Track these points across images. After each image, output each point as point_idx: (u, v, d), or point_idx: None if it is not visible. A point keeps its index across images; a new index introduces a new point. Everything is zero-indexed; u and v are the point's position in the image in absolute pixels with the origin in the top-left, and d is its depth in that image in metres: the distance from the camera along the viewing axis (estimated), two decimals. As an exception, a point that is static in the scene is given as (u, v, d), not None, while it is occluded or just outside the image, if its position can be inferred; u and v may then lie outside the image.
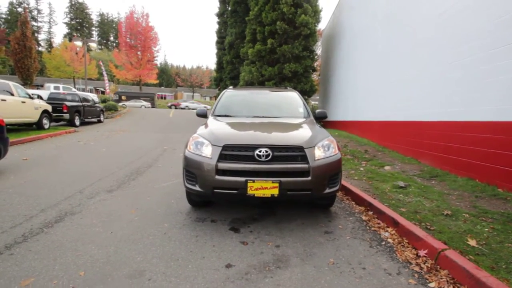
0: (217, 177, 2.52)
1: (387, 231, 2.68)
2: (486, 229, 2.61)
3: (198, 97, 56.79)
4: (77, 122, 12.43)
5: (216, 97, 22.61)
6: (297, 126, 3.24)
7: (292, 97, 4.30)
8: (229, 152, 2.59)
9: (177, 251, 2.26)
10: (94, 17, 64.91)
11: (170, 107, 35.24)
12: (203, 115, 3.99)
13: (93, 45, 19.82)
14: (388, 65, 7.18)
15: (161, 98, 52.35)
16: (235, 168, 2.52)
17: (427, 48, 5.50)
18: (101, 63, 28.66)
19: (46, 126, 9.92)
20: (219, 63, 20.50)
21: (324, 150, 2.72)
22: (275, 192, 2.47)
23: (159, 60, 51.99)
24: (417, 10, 5.94)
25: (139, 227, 2.71)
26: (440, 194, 3.72)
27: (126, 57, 34.54)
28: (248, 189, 2.46)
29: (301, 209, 3.30)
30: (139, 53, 35.48)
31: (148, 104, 34.08)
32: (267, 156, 2.52)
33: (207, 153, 2.64)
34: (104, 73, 24.43)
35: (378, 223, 2.86)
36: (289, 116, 3.78)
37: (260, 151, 2.53)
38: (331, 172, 2.67)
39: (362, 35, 9.37)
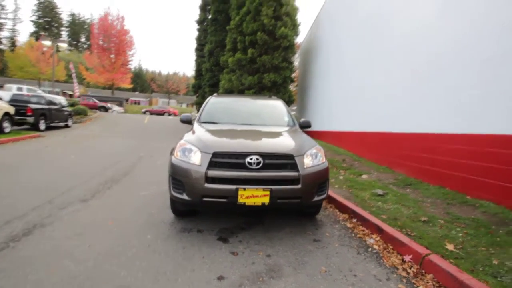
0: (207, 185, 2.45)
1: (372, 237, 2.76)
2: (461, 234, 2.78)
3: (174, 103, 55.58)
4: (42, 126, 11.55)
5: (194, 104, 22.24)
6: (285, 134, 3.27)
7: (277, 105, 4.35)
8: (219, 159, 2.53)
9: (164, 264, 2.13)
10: (65, 17, 61.65)
11: (144, 113, 34.06)
12: (187, 121, 3.89)
13: (64, 45, 18.69)
14: (362, 78, 7.58)
15: (135, 103, 50.50)
16: (225, 176, 2.47)
17: (398, 62, 5.90)
18: (71, 65, 27.10)
19: (7, 130, 9.10)
20: (198, 70, 20.31)
21: (312, 158, 2.76)
22: (266, 200, 2.45)
23: (133, 65, 50.25)
24: (385, 34, 6.38)
25: (120, 239, 2.53)
26: (415, 201, 3.93)
27: (98, 59, 33.03)
28: (239, 197, 2.42)
29: (287, 217, 3.30)
30: (112, 56, 34.14)
31: (120, 109, 32.66)
32: (258, 163, 2.50)
33: (196, 160, 2.57)
34: (74, 75, 23.07)
35: (363, 230, 2.94)
36: (275, 124, 3.81)
37: (251, 159, 2.51)
38: (320, 180, 2.72)
39: (338, 49, 9.84)
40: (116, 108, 31.85)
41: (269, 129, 3.48)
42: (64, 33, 61.00)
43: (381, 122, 6.52)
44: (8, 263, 2.06)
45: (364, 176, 5.68)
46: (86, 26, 55.09)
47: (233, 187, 2.42)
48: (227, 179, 2.47)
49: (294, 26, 13.56)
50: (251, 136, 3.04)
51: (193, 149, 2.65)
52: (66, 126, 14.07)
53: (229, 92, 13.70)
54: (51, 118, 12.36)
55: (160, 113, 33.73)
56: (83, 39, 61.79)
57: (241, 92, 13.38)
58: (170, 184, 2.67)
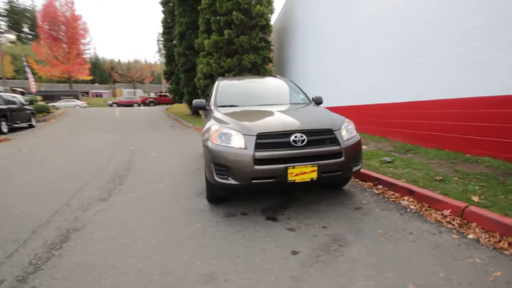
0: (256, 167, 2.43)
1: (404, 199, 2.97)
2: (477, 187, 3.10)
3: (141, 93, 52.50)
4: (5, 128, 10.42)
5: (170, 92, 21.00)
6: (312, 111, 3.30)
7: (288, 84, 4.33)
8: (263, 140, 2.51)
9: (232, 249, 2.13)
10: (1, 5, 53.84)
11: (111, 105, 31.88)
12: (201, 106, 3.76)
13: (11, 36, 16.36)
14: (344, 52, 7.75)
15: (97, 96, 46.90)
16: (274, 156, 2.47)
17: (386, 34, 6.10)
18: (24, 59, 24.10)
19: (-34, 136, 8.08)
20: (169, 56, 19.18)
21: (347, 131, 2.85)
22: (314, 175, 2.51)
23: (89, 54, 45.86)
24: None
25: (170, 232, 2.46)
26: (422, 164, 4.24)
27: (49, 50, 29.81)
28: (289, 175, 2.44)
29: (317, 191, 3.40)
30: (65, 46, 31.00)
31: (83, 103, 30.23)
32: (303, 141, 2.53)
33: (240, 143, 2.52)
34: (28, 69, 20.58)
35: (393, 194, 3.15)
36: (293, 102, 3.82)
37: (295, 137, 2.52)
38: (356, 151, 2.82)
39: (316, 26, 9.86)
40: (78, 102, 29.43)
41: (295, 107, 3.47)
42: (3, 23, 53.66)
43: (371, 94, 6.80)
44: (67, 271, 1.92)
45: (364, 147, 5.97)
46: (28, 14, 48.67)
47: (282, 166, 2.44)
48: (275, 159, 2.47)
49: (269, 3, 13.26)
50: (284, 115, 3.03)
51: (233, 133, 2.59)
52: (31, 126, 12.82)
53: (209, 76, 13.28)
54: (13, 119, 11.17)
55: (129, 104, 31.84)
56: (25, 29, 54.88)
57: (221, 75, 13.02)
58: (213, 171, 2.60)
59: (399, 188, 3.15)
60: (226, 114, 3.12)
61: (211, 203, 3.09)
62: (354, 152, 2.77)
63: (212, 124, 2.85)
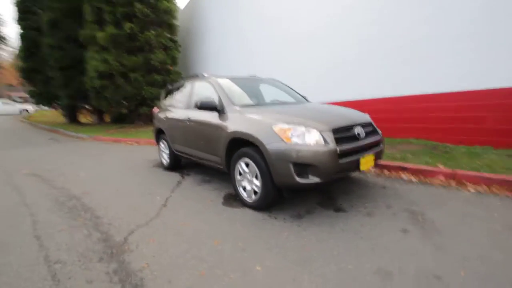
0: (340, 161, 2.49)
1: (403, 174, 3.75)
2: (430, 159, 4.31)
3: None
4: None
5: (31, 95, 15.48)
6: (334, 107, 3.55)
7: (278, 83, 4.43)
8: (338, 135, 2.59)
9: (357, 243, 2.14)
10: None
11: None
12: (211, 107, 3.32)
13: None
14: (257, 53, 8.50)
15: None
16: (351, 149, 2.60)
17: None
18: None
19: None
20: (28, 48, 14.27)
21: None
22: (373, 163, 2.84)
23: None
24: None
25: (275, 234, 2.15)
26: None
27: None
28: (361, 165, 2.65)
29: (340, 182, 3.65)
30: None
31: None
32: (363, 133, 2.79)
33: (318, 140, 2.49)
34: None
35: (389, 172, 3.90)
36: (300, 101, 4.00)
37: (358, 130, 2.75)
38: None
39: (233, 26, 10.20)
40: None
41: (314, 105, 3.62)
42: None
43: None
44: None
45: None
46: None
47: (357, 157, 2.62)
48: (351, 151, 2.61)
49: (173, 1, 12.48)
50: (325, 111, 3.17)
51: (308, 130, 2.51)
52: None
53: (108, 76, 11.15)
54: None
55: None
56: None
57: (123, 75, 11.19)
58: (293, 173, 2.44)
59: (392, 167, 3.94)
60: (269, 112, 2.96)
61: (261, 210, 2.84)
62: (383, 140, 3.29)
63: (271, 124, 2.64)
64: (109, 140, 9.27)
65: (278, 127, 2.58)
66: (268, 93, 4.04)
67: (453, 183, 3.33)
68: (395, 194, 3.13)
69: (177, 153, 4.50)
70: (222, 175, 4.31)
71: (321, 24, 6.99)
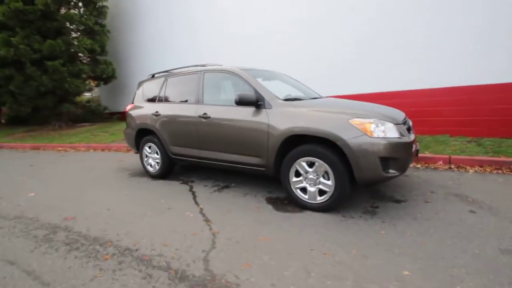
0: (412, 152, 2.56)
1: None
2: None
3: None
4: None
5: None
6: (357, 102, 3.59)
7: (285, 77, 4.21)
8: (404, 128, 2.64)
9: (449, 227, 2.23)
10: None
11: None
12: (251, 101, 2.90)
13: None
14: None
15: None
16: (414, 141, 2.70)
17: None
18: None
19: None
20: None
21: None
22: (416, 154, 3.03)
23: None
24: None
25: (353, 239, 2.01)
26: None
27: None
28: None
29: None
30: None
31: None
32: (410, 127, 2.93)
33: (397, 134, 2.47)
34: None
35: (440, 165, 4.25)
36: (317, 95, 3.90)
37: (407, 124, 2.86)
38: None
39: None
40: None
41: (341, 100, 3.57)
42: None
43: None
44: None
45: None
46: None
47: (416, 148, 2.75)
48: (413, 143, 2.71)
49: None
50: (367, 105, 3.16)
51: (386, 124, 2.45)
52: None
53: (13, 63, 8.55)
54: None
55: None
56: None
57: (37, 62, 8.75)
58: (380, 167, 2.35)
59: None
60: (328, 106, 2.79)
61: (327, 211, 2.65)
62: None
63: (347, 118, 2.47)
64: (20, 147, 7.09)
65: (358, 121, 2.45)
66: (286, 87, 3.79)
67: (453, 166, 3.90)
68: (423, 180, 3.43)
69: (176, 157, 3.78)
70: (239, 177, 3.85)
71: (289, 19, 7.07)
